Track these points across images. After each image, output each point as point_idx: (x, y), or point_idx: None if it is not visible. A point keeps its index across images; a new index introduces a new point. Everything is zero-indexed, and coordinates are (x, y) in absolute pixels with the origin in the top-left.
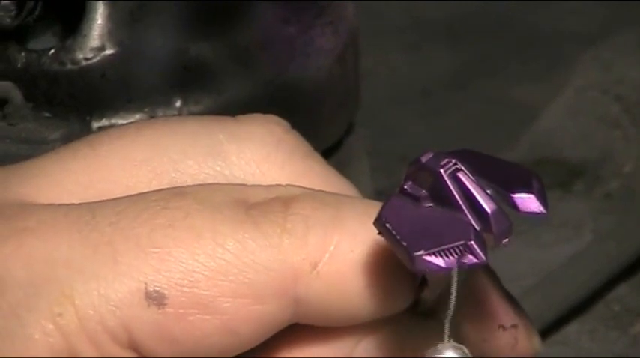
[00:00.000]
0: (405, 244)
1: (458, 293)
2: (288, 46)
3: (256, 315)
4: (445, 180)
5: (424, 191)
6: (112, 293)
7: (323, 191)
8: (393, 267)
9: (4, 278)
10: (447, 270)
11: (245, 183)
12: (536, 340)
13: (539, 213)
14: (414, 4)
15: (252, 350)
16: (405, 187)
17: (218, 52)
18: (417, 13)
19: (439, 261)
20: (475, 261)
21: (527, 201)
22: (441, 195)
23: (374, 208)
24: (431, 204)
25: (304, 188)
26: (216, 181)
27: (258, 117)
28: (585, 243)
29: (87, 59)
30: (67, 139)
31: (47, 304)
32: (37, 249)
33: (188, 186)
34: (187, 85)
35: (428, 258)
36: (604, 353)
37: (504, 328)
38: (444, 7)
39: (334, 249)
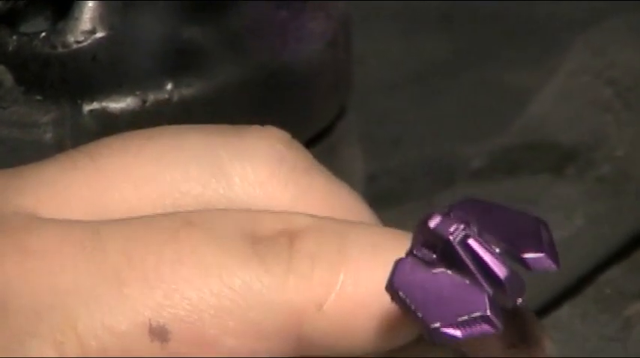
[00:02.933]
0: (420, 316)
1: None
2: (279, 30)
3: (258, 353)
4: (455, 248)
5: (434, 256)
6: (115, 324)
7: (328, 218)
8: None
9: (7, 302)
10: (464, 340)
11: (249, 205)
12: (551, 349)
13: (550, 271)
14: None
15: None
16: (414, 251)
17: (210, 36)
18: None
19: (456, 333)
20: (492, 330)
21: (539, 260)
22: (451, 261)
23: (379, 237)
24: (442, 269)
25: (310, 216)
26: (219, 203)
27: (259, 130)
28: (577, 228)
29: (78, 42)
30: (58, 123)
31: (50, 331)
32: (41, 273)
33: (197, 213)
34: (179, 68)
35: (445, 329)
36: (596, 336)
37: (516, 346)
38: None
39: (340, 287)
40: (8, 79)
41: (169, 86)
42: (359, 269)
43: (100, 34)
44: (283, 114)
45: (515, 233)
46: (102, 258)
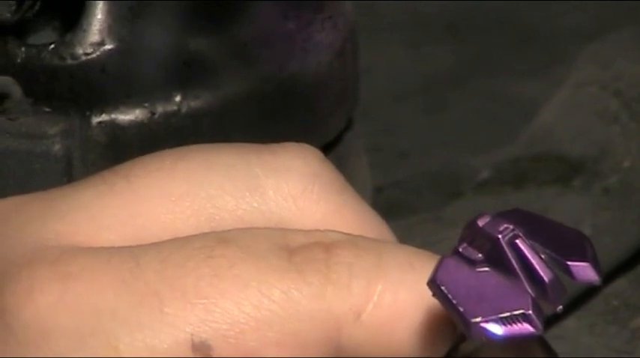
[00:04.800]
0: (461, 310)
1: (494, 346)
2: (287, 41)
3: None
4: (503, 247)
5: (480, 255)
6: (158, 343)
7: (362, 236)
8: (435, 318)
9: (50, 327)
10: (504, 340)
11: (281, 218)
12: None
13: (593, 281)
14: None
15: None
16: (460, 249)
17: (217, 48)
18: (416, 9)
19: (496, 329)
20: (532, 330)
21: (583, 270)
22: (497, 260)
23: (414, 255)
24: (486, 268)
25: (342, 233)
26: (253, 217)
27: (293, 147)
28: None
29: (86, 54)
30: (67, 134)
31: (93, 354)
32: (82, 298)
33: (230, 232)
34: (187, 80)
35: (485, 325)
36: (603, 348)
37: None
38: (443, 3)
39: (377, 298)
40: (17, 90)
41: (178, 98)
42: (396, 282)
43: (108, 46)
44: (291, 126)
45: (561, 242)
46: (140, 280)
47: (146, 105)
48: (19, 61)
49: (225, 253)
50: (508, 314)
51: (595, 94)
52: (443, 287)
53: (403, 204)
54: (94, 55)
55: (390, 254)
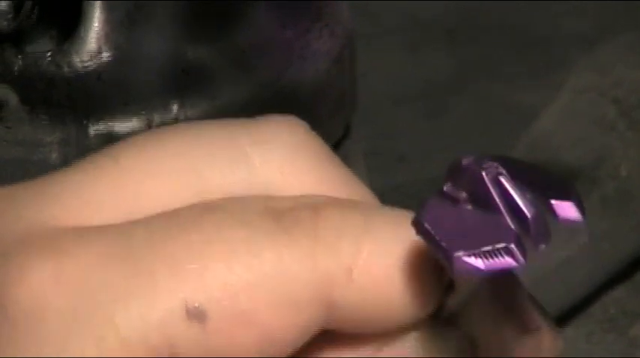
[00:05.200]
0: (444, 245)
1: (482, 296)
2: (285, 49)
3: (294, 324)
4: (487, 183)
5: (464, 193)
6: (152, 312)
7: (348, 199)
8: (423, 272)
9: (44, 305)
10: (486, 273)
11: (268, 189)
12: (559, 341)
13: (576, 221)
14: (411, 5)
15: None
16: (445, 189)
17: (215, 56)
18: (414, 14)
19: (478, 263)
20: (515, 263)
21: (566, 208)
22: (481, 198)
23: (401, 215)
24: (470, 206)
25: (329, 197)
26: (241, 189)
27: (278, 119)
28: (580, 247)
29: (83, 62)
30: (64, 142)
31: (88, 329)
32: (74, 275)
33: (217, 201)
34: (184, 88)
35: (467, 259)
36: (601, 355)
37: (529, 331)
38: (442, 9)
39: (367, 255)
40: (14, 98)
41: (175, 106)
42: (385, 240)
43: (105, 55)
44: None
45: (545, 184)
46: (131, 253)
47: (143, 113)
48: (16, 69)
49: (213, 219)
50: (490, 247)
51: (593, 101)
52: (426, 225)
53: (403, 208)
54: (91, 64)
55: (377, 214)
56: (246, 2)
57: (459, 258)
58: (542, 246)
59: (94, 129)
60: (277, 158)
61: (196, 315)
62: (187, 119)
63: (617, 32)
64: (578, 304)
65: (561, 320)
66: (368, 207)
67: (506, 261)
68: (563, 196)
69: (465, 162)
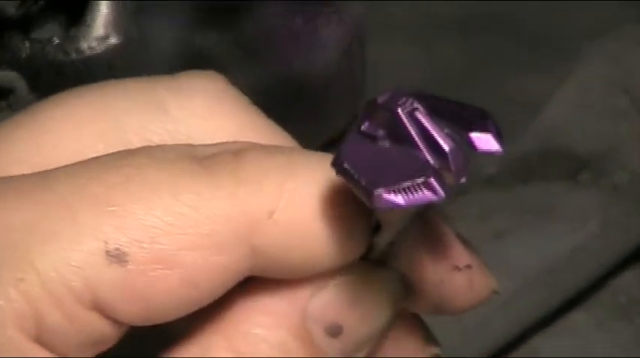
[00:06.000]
0: (363, 183)
1: (411, 235)
2: (294, 38)
3: (216, 266)
4: (402, 119)
5: (381, 131)
6: (73, 254)
7: (271, 145)
8: (348, 213)
9: None
10: (407, 207)
11: (190, 138)
12: (492, 280)
13: (495, 151)
14: None
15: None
16: (362, 128)
17: (223, 43)
18: (424, 7)
19: (398, 199)
20: (434, 197)
21: (485, 140)
22: (398, 135)
23: (323, 156)
24: (388, 144)
25: (251, 142)
26: (161, 138)
27: (198, 73)
28: (591, 234)
29: (91, 49)
30: None
31: (8, 270)
32: None
33: (139, 147)
34: None
35: (387, 195)
36: (610, 343)
37: (459, 269)
38: (453, 2)
39: (289, 195)
40: (21, 85)
41: None
42: (307, 180)
43: (113, 40)
44: (298, 122)
45: (463, 118)
46: (51, 194)
47: None
48: (23, 56)
49: (134, 162)
50: (409, 183)
51: (604, 91)
52: (345, 164)
53: None
54: (98, 50)
55: (300, 156)
56: None
57: (379, 194)
58: (463, 179)
59: None
60: (197, 107)
61: (116, 256)
62: None
63: (627, 23)
64: (589, 290)
65: (570, 304)
66: (290, 150)
67: (426, 195)
68: (481, 129)
69: (380, 99)
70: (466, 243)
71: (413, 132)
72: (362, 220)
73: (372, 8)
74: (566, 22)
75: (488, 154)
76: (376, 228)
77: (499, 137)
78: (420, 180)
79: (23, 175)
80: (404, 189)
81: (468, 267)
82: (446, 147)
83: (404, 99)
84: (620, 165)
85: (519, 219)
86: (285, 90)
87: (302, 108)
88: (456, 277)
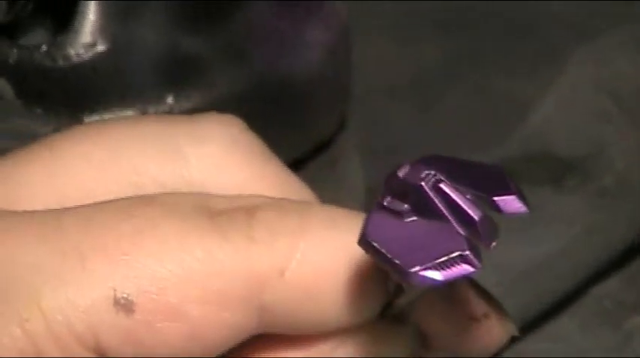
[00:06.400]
0: (398, 262)
1: (427, 293)
2: (279, 40)
3: (223, 322)
4: (428, 193)
5: (405, 205)
6: (80, 298)
7: (285, 198)
8: (362, 273)
9: None
10: (445, 283)
11: (204, 184)
12: (510, 325)
13: (521, 212)
14: None
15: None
16: (385, 203)
17: (210, 47)
18: (407, 6)
19: (436, 275)
20: (472, 270)
21: (510, 202)
22: (424, 208)
23: (338, 214)
24: (414, 218)
25: (265, 197)
26: (175, 183)
27: (215, 117)
28: (576, 238)
29: (78, 55)
30: None
31: (15, 309)
32: (3, 255)
33: (153, 194)
34: (179, 80)
35: (424, 273)
36: (596, 349)
37: (477, 319)
38: (436, 0)
39: (301, 255)
40: (8, 91)
41: (170, 98)
42: (320, 239)
43: (100, 47)
44: (284, 125)
45: (483, 181)
46: (62, 238)
47: (138, 106)
48: (11, 61)
49: (147, 212)
50: (445, 258)
51: (589, 93)
52: (375, 244)
53: None
54: (85, 56)
55: (312, 213)
56: None
57: (416, 273)
58: (493, 244)
59: (89, 121)
60: (212, 154)
61: (124, 305)
62: (182, 111)
63: (614, 23)
64: (574, 294)
65: (554, 311)
66: (304, 206)
67: (463, 268)
68: (503, 190)
69: (401, 173)
70: (482, 291)
71: (440, 205)
72: (376, 280)
73: (355, 8)
74: (553, 22)
75: (514, 215)
76: (398, 290)
77: (522, 197)
78: (456, 254)
79: (36, 212)
80: (440, 265)
81: (486, 316)
82: (475, 217)
83: (426, 172)
84: (606, 168)
85: (504, 223)
86: (271, 93)
87: (288, 110)
88: (474, 328)
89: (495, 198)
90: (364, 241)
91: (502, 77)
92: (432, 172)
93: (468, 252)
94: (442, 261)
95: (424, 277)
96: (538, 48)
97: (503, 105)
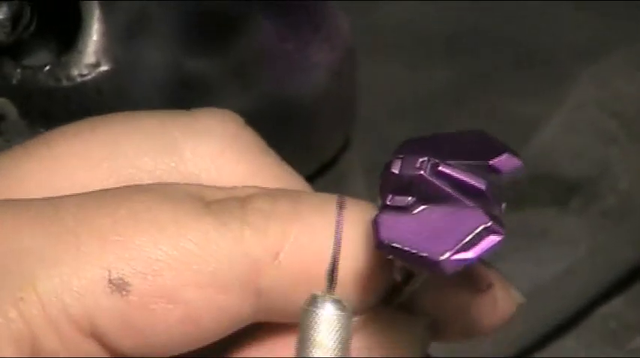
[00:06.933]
0: (425, 255)
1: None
2: (284, 61)
3: (219, 306)
4: (429, 179)
5: (409, 198)
6: (75, 280)
7: (279, 189)
8: (356, 258)
9: None
10: (477, 259)
11: (200, 179)
12: (516, 293)
13: (519, 166)
14: (412, 19)
15: (219, 351)
16: (388, 202)
17: (214, 68)
18: (415, 28)
19: (469, 255)
20: (499, 237)
21: (505, 161)
22: (429, 195)
23: (330, 199)
24: (422, 207)
25: (259, 187)
26: (171, 177)
27: (213, 111)
28: (580, 259)
29: (82, 75)
30: None
31: (9, 290)
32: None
33: (148, 183)
34: (183, 100)
35: (456, 256)
36: None
37: (482, 290)
38: (442, 23)
39: (294, 239)
40: (12, 112)
41: None
42: (312, 225)
43: (104, 67)
44: (289, 146)
45: (470, 149)
46: (58, 222)
47: None
48: (14, 82)
49: (143, 198)
50: (471, 236)
51: (594, 115)
52: (394, 244)
53: None
54: (89, 77)
55: (305, 199)
56: (246, 15)
57: (448, 260)
58: (504, 206)
59: None
60: (209, 149)
61: (118, 286)
62: None
63: (618, 45)
64: (578, 315)
65: (559, 330)
66: (297, 194)
67: (491, 239)
68: (494, 152)
69: (395, 169)
70: (482, 262)
71: (446, 188)
72: (374, 266)
73: (361, 29)
74: (558, 44)
75: (514, 173)
76: (406, 277)
77: (513, 151)
78: (481, 228)
79: (34, 200)
80: (468, 244)
81: (490, 285)
82: (482, 186)
83: (420, 160)
84: (610, 189)
85: (510, 244)
86: (276, 114)
87: (293, 131)
88: (480, 299)
89: (491, 162)
90: (382, 245)
91: (508, 99)
92: (426, 158)
93: (490, 223)
94: (469, 241)
95: (457, 261)
96: (543, 71)
97: (508, 127)
